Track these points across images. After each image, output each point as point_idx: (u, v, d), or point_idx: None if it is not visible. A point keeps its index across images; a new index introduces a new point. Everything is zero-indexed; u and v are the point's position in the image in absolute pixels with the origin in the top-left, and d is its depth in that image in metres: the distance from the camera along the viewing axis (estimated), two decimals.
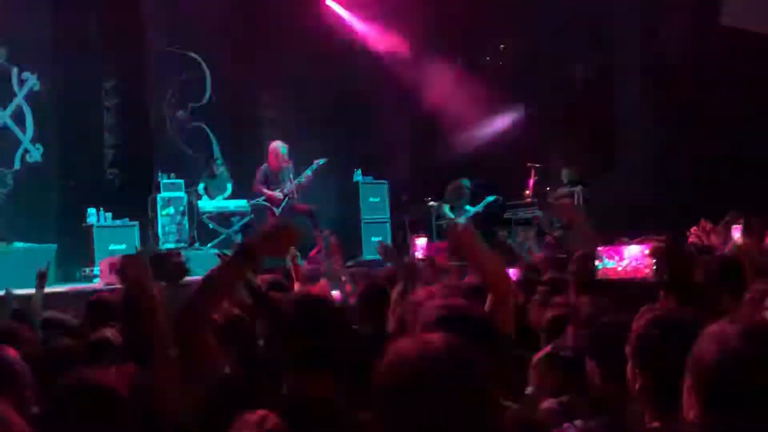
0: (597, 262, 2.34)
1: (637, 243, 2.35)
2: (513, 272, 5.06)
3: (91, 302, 5.01)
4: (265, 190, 11.82)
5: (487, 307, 3.27)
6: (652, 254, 2.27)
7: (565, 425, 2.44)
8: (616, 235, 6.26)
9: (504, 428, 1.60)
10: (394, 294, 4.95)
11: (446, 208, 13.19)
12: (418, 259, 5.63)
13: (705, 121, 12.45)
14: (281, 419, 2.25)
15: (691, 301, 2.30)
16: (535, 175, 13.38)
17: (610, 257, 2.30)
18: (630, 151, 13.58)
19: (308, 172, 11.92)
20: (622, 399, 2.41)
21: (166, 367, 2.81)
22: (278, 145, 11.97)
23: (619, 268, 2.30)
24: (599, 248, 2.37)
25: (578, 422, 2.43)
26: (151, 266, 4.04)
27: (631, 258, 2.27)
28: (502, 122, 15.31)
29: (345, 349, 2.59)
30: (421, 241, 5.89)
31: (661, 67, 13.01)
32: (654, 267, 2.26)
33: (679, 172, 12.74)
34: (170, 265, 4.60)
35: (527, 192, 13.73)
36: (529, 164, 13.36)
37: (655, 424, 2.15)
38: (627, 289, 3.28)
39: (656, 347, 2.12)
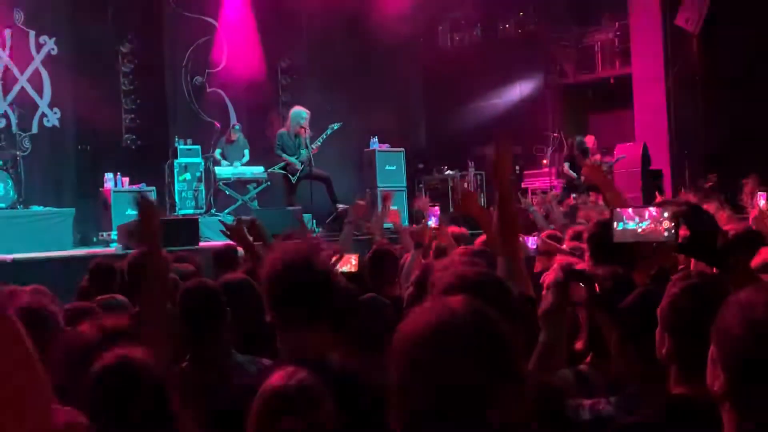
0: (616, 223, 2.30)
1: (658, 205, 2.32)
2: (532, 240, 5.04)
3: (93, 268, 4.99)
4: (285, 156, 11.77)
5: (499, 271, 3.24)
6: (673, 217, 2.23)
7: (581, 402, 2.42)
8: (634, 202, 6.28)
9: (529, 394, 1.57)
10: (408, 259, 4.93)
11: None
12: (431, 228, 5.60)
13: (724, 89, 12.32)
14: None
15: (712, 266, 2.27)
16: (553, 144, 13.30)
17: (631, 218, 2.26)
18: (649, 119, 13.47)
19: (324, 137, 11.86)
20: (641, 371, 2.40)
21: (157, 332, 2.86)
22: (299, 112, 11.89)
23: (639, 230, 2.26)
24: (619, 210, 2.33)
25: (588, 402, 2.40)
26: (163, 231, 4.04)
27: (652, 219, 2.23)
28: (520, 90, 15.21)
29: (338, 308, 2.58)
30: (434, 210, 5.86)
31: (682, 33, 12.85)
32: (673, 230, 2.23)
33: (699, 139, 12.64)
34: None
35: (545, 161, 13.68)
36: (547, 133, 13.28)
37: (680, 390, 2.12)
38: (643, 254, 3.25)
39: (688, 312, 2.10)
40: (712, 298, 2.02)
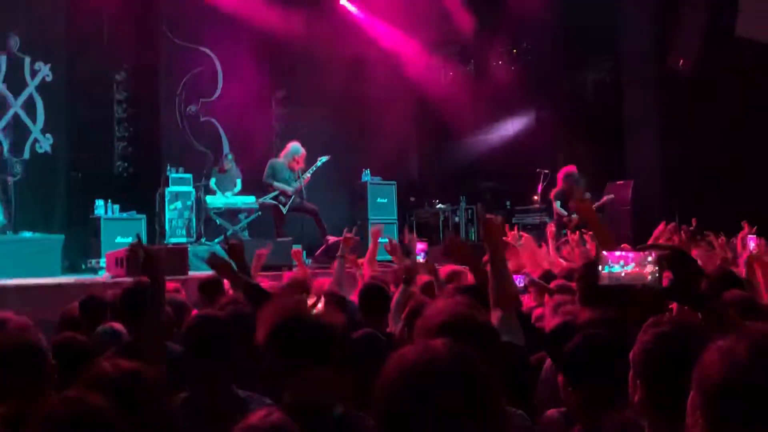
0: (601, 267, 2.32)
1: (644, 249, 2.33)
2: (520, 278, 5.03)
3: (84, 301, 4.98)
4: (276, 184, 11.78)
5: (494, 321, 3.27)
6: (658, 262, 2.25)
7: None
8: (623, 241, 6.30)
9: None
10: (396, 296, 4.92)
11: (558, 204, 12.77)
12: (419, 263, 5.58)
13: (714, 130, 12.41)
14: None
15: (696, 310, 2.28)
16: (544, 181, 13.34)
17: (616, 262, 2.28)
18: (639, 157, 13.55)
19: (313, 169, 11.90)
20: (584, 416, 2.41)
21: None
22: (295, 146, 11.92)
23: (623, 274, 2.27)
24: (605, 253, 2.35)
25: None
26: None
27: (636, 263, 2.25)
28: (512, 127, 15.29)
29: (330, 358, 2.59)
30: (422, 245, 5.85)
31: (672, 74, 12.97)
32: (657, 274, 2.24)
33: (687, 179, 12.70)
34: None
35: (536, 197, 13.72)
36: (538, 170, 13.33)
37: None
38: (631, 297, 3.26)
39: (662, 361, 2.10)
40: (684, 345, 2.03)
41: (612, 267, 2.22)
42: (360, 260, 6.72)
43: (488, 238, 3.52)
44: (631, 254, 2.21)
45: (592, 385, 2.38)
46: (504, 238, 3.54)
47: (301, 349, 2.59)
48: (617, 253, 2.23)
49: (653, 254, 2.22)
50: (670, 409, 1.98)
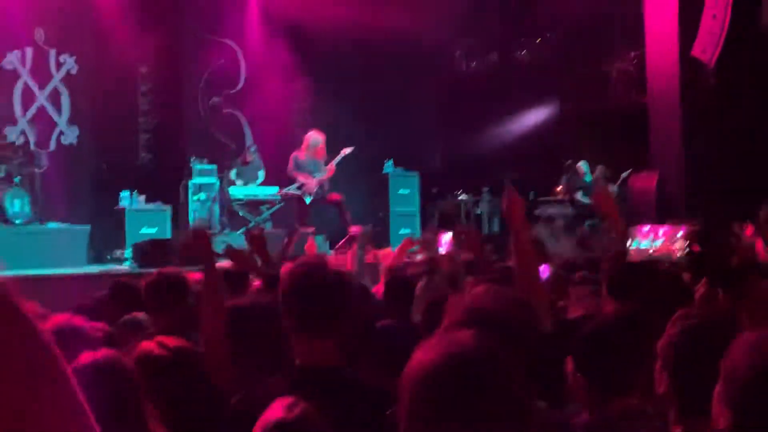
0: (630, 242, 2.30)
1: (672, 225, 2.31)
2: (543, 269, 5.00)
3: (116, 286, 5.00)
4: (300, 177, 11.79)
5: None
6: (687, 237, 2.23)
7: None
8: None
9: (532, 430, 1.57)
10: (419, 287, 4.90)
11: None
12: (442, 254, 5.56)
13: (740, 122, 12.30)
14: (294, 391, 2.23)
15: (722, 287, 2.27)
16: (567, 172, 13.28)
17: (645, 237, 2.26)
18: (664, 150, 13.43)
19: (337, 160, 11.89)
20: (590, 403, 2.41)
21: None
22: (314, 137, 11.92)
23: (651, 250, 2.26)
24: (633, 228, 2.34)
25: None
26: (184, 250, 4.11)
27: (666, 238, 2.23)
28: (536, 117, 15.23)
29: (349, 313, 2.57)
30: (446, 237, 5.82)
31: (696, 64, 12.85)
32: (687, 250, 2.23)
33: (712, 173, 12.58)
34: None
35: (559, 189, 13.65)
36: (564, 162, 13.26)
37: (678, 428, 2.11)
38: (658, 288, 3.22)
39: (689, 353, 2.09)
40: (711, 338, 2.02)
41: (641, 243, 2.20)
42: (380, 251, 6.72)
43: (511, 216, 3.40)
44: (660, 229, 2.19)
45: (598, 372, 2.37)
46: (523, 221, 3.42)
47: (312, 299, 2.56)
48: (646, 229, 2.21)
49: (683, 230, 2.21)
50: (695, 401, 1.98)
